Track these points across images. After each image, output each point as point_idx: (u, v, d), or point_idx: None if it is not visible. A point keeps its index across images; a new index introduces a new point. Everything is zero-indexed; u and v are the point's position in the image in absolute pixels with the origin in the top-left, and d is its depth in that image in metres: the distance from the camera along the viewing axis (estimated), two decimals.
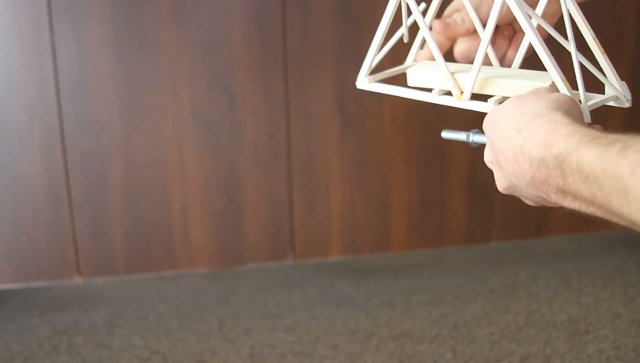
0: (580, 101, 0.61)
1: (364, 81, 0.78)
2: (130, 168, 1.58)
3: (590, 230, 1.85)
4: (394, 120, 1.64)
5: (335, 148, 1.65)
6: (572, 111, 0.54)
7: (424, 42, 0.81)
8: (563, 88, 0.61)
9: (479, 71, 0.66)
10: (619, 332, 1.51)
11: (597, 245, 1.95)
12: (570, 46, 0.63)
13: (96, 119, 1.55)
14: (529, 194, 0.53)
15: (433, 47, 0.70)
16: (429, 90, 0.72)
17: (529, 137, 0.50)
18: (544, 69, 0.65)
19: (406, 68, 0.81)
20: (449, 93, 0.70)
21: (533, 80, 0.66)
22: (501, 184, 0.57)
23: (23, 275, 1.60)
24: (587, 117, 0.60)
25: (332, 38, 1.58)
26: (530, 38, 0.62)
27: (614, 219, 0.46)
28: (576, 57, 0.63)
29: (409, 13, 0.76)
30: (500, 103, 0.63)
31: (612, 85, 0.65)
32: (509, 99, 0.58)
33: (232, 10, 1.54)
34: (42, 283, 1.61)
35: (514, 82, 0.66)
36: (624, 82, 0.66)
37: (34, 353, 1.49)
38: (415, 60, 0.82)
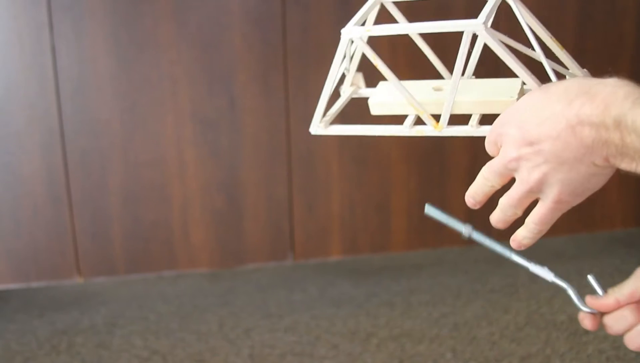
0: None
1: (319, 127, 0.76)
2: (130, 168, 1.58)
3: (590, 230, 1.85)
4: (394, 120, 1.63)
5: (335, 148, 1.65)
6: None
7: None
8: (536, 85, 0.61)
9: (452, 100, 0.64)
10: None
11: (597, 245, 1.95)
12: (541, 57, 0.63)
13: (96, 119, 1.55)
14: (580, 168, 0.53)
15: (390, 77, 0.66)
16: (395, 118, 0.69)
17: (585, 102, 0.49)
18: (498, 76, 0.64)
19: (350, 96, 0.80)
20: (419, 120, 0.67)
21: (506, 92, 0.64)
22: (535, 175, 0.55)
23: (23, 275, 1.60)
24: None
25: (332, 38, 1.58)
26: (501, 56, 0.60)
27: None
28: (547, 63, 0.63)
29: (350, 43, 0.74)
30: (479, 122, 0.63)
31: (577, 73, 0.66)
32: (527, 94, 0.56)
33: (232, 10, 1.54)
34: (42, 283, 1.61)
35: (496, 100, 0.63)
36: (585, 69, 0.66)
37: (34, 353, 1.49)
38: (353, 84, 0.79)
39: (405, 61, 1.58)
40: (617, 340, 1.48)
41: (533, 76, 0.60)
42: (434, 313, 1.61)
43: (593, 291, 0.66)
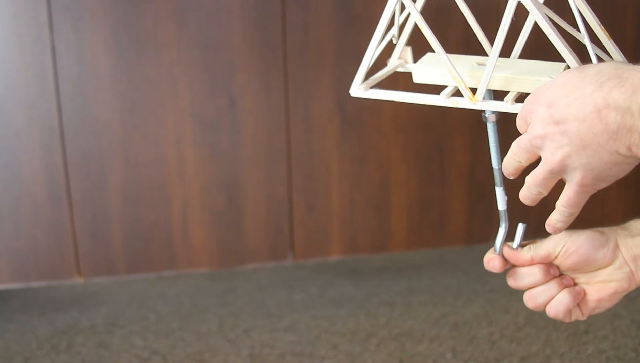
0: None
1: (359, 89, 0.74)
2: (130, 168, 1.58)
3: (590, 228, 1.85)
4: (394, 120, 1.64)
5: (335, 148, 1.65)
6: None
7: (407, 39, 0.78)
8: None
9: (491, 72, 0.64)
10: (618, 332, 1.51)
11: None
12: (585, 39, 0.63)
13: (96, 119, 1.55)
14: (603, 154, 0.53)
15: (435, 44, 0.67)
16: (434, 89, 0.70)
17: (615, 86, 0.49)
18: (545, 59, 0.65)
19: (395, 68, 0.77)
20: (458, 92, 0.68)
21: (545, 73, 0.64)
22: (558, 155, 0.56)
23: (23, 275, 1.60)
24: None
25: (332, 38, 1.59)
26: (545, 29, 0.61)
27: None
28: (592, 50, 0.63)
29: (401, 10, 0.73)
30: (516, 100, 0.63)
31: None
32: (562, 72, 0.56)
33: (232, 10, 1.54)
34: (42, 283, 1.61)
35: (530, 78, 0.64)
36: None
37: (34, 353, 1.49)
38: (400, 57, 0.79)
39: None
40: (617, 340, 1.48)
41: (574, 55, 0.59)
42: (434, 313, 1.61)
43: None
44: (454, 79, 0.66)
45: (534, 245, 0.70)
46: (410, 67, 0.78)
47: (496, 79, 0.65)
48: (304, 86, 1.60)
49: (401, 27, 0.77)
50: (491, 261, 0.70)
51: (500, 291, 1.70)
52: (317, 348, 1.48)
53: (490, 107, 0.65)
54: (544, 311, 0.68)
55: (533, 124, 0.57)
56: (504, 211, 0.69)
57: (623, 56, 0.65)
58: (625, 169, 0.55)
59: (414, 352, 1.46)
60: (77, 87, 1.52)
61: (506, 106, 0.64)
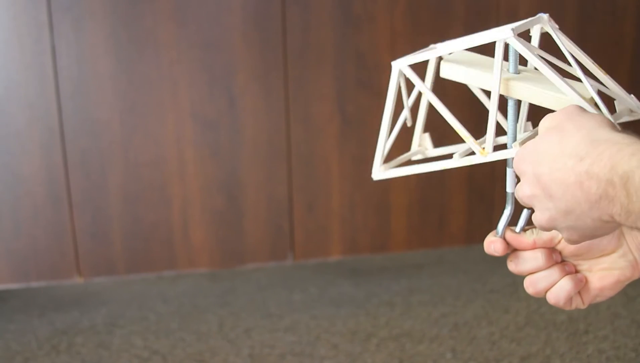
0: None
1: (380, 171, 0.76)
2: (130, 168, 1.58)
3: None
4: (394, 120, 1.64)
5: (335, 148, 1.65)
6: (615, 128, 0.56)
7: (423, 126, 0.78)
8: (589, 107, 0.61)
9: (494, 124, 0.65)
10: (618, 332, 1.51)
11: None
12: (580, 74, 0.63)
13: (96, 119, 1.55)
14: (586, 220, 0.55)
15: (447, 115, 0.67)
16: (450, 156, 0.72)
17: (595, 161, 0.51)
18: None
19: (414, 154, 0.81)
20: (470, 152, 0.69)
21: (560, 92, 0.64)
22: (545, 216, 0.58)
23: (23, 275, 1.60)
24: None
25: (332, 38, 1.59)
26: (544, 72, 0.61)
27: None
28: (588, 84, 0.63)
29: (408, 93, 0.74)
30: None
31: (624, 100, 0.65)
32: (542, 133, 0.58)
33: (232, 10, 1.54)
34: (42, 283, 1.61)
35: (549, 93, 0.63)
36: (632, 95, 0.65)
37: (34, 353, 1.49)
38: (420, 145, 0.81)
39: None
40: (617, 340, 1.48)
41: (574, 89, 0.60)
42: (434, 313, 1.61)
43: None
44: (465, 138, 0.67)
45: (537, 229, 0.68)
46: (431, 153, 0.80)
47: (522, 89, 0.65)
48: (304, 86, 1.60)
49: (414, 108, 0.78)
50: (493, 244, 0.70)
51: (500, 291, 1.70)
52: (317, 348, 1.48)
53: (501, 156, 0.65)
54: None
55: (523, 183, 0.59)
56: (512, 193, 0.68)
57: (624, 90, 0.65)
58: (610, 230, 0.57)
59: (414, 352, 1.46)
60: (77, 87, 1.52)
61: (514, 152, 0.64)
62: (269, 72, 1.58)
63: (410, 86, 0.73)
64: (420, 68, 0.71)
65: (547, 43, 0.70)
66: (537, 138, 0.58)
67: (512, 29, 0.62)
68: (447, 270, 1.84)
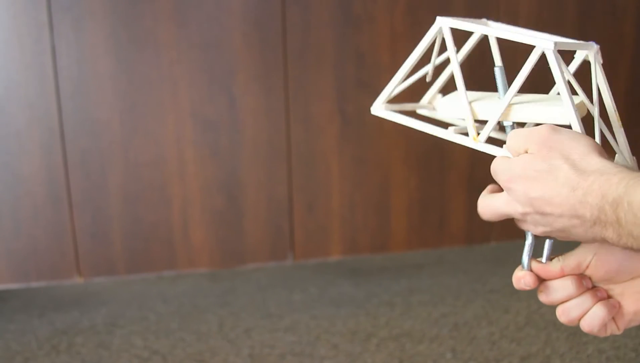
0: None
1: (380, 108, 0.77)
2: (130, 168, 1.58)
3: None
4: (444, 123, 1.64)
5: (335, 148, 1.65)
6: (601, 150, 0.59)
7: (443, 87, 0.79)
8: (576, 125, 0.64)
9: (497, 119, 0.67)
10: None
11: None
12: (595, 111, 0.65)
13: (96, 119, 1.55)
14: (580, 236, 0.59)
15: (461, 89, 0.69)
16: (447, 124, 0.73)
17: (587, 192, 0.55)
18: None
19: (420, 107, 0.80)
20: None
21: (553, 105, 0.66)
22: (539, 230, 0.63)
23: (23, 275, 1.60)
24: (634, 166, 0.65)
25: (332, 38, 1.58)
26: (563, 97, 0.63)
27: None
28: (598, 123, 0.65)
29: (440, 53, 0.75)
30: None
31: (623, 155, 0.67)
32: (529, 153, 0.60)
33: (232, 10, 1.54)
34: (42, 283, 1.61)
35: (536, 108, 0.66)
36: (634, 157, 0.67)
37: (34, 353, 1.49)
38: (430, 102, 0.81)
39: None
40: (617, 340, 1.48)
41: (576, 113, 0.63)
42: (434, 313, 1.61)
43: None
44: (466, 117, 0.69)
45: (563, 256, 0.68)
46: (437, 115, 0.81)
47: (518, 112, 0.67)
48: (304, 86, 1.60)
49: (438, 70, 0.78)
50: (523, 279, 0.68)
51: (500, 291, 1.70)
52: (317, 348, 1.48)
53: (489, 150, 0.68)
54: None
55: (514, 201, 0.62)
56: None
57: (629, 148, 0.67)
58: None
59: (414, 352, 1.46)
60: (77, 87, 1.52)
61: (502, 151, 0.66)
62: (269, 72, 1.58)
63: (443, 47, 0.74)
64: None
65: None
66: (524, 158, 0.60)
67: (555, 42, 0.63)
68: (447, 270, 1.84)
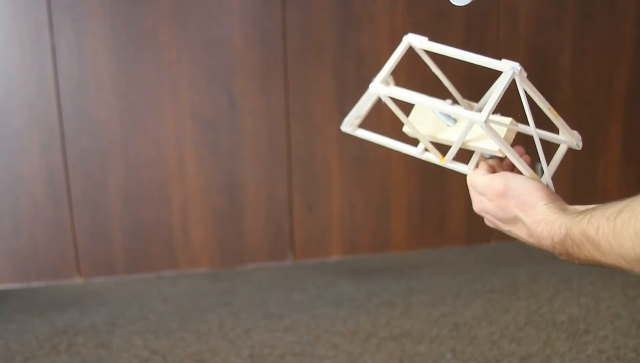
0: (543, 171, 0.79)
1: (350, 127, 0.91)
2: (130, 168, 1.58)
3: None
4: (394, 120, 1.63)
5: (335, 148, 1.65)
6: (544, 193, 0.75)
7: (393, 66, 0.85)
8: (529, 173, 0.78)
9: (463, 138, 0.78)
10: (619, 332, 1.51)
11: None
12: (532, 130, 0.76)
13: (96, 119, 1.55)
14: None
15: (409, 124, 0.82)
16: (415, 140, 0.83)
17: (540, 237, 0.73)
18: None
19: (374, 94, 0.86)
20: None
21: (489, 142, 0.78)
22: (492, 225, 0.82)
23: (23, 275, 1.60)
24: (551, 186, 0.78)
25: (332, 38, 1.58)
26: (524, 101, 0.74)
27: (607, 267, 0.66)
28: (538, 141, 0.76)
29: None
30: (476, 166, 0.81)
31: (566, 135, 0.80)
32: (496, 199, 0.76)
33: (232, 10, 1.54)
34: (42, 283, 1.61)
35: (476, 144, 0.79)
36: (575, 131, 0.81)
37: (34, 353, 1.49)
38: (387, 81, 0.87)
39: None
40: (617, 340, 1.48)
41: (526, 166, 0.77)
42: (434, 313, 1.61)
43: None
44: (429, 147, 0.82)
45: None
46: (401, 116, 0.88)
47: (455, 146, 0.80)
48: (304, 86, 1.60)
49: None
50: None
51: (500, 291, 1.70)
52: (317, 348, 1.48)
53: (454, 167, 0.82)
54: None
55: (489, 220, 0.81)
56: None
57: (570, 129, 0.79)
58: None
59: (414, 352, 1.46)
60: (77, 87, 1.52)
61: (467, 170, 0.81)
62: (269, 72, 1.58)
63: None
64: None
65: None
66: (491, 206, 0.77)
67: (521, 69, 0.74)
68: (447, 270, 1.84)
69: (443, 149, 0.82)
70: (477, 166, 0.81)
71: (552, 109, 0.78)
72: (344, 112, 1.62)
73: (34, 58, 1.49)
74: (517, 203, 0.76)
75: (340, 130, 1.70)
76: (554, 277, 1.76)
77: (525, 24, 1.62)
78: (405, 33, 0.80)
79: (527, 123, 0.76)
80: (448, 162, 0.81)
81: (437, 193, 1.72)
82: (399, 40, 0.84)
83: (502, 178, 0.77)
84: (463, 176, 1.97)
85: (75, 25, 1.49)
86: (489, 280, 1.76)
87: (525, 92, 0.74)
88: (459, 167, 0.81)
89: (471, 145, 0.80)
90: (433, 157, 0.82)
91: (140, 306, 1.68)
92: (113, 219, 1.60)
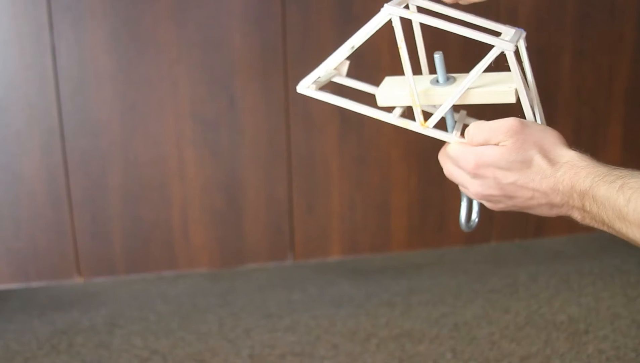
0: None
1: (309, 87, 0.78)
2: (130, 168, 1.58)
3: (590, 229, 1.85)
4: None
5: (335, 148, 1.65)
6: (565, 141, 0.67)
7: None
8: (529, 112, 0.71)
9: (451, 103, 0.70)
10: (619, 332, 1.51)
11: (597, 245, 1.95)
12: (533, 91, 0.71)
13: (96, 119, 1.55)
14: (538, 212, 0.69)
15: (407, 64, 0.71)
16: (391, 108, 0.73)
17: (558, 181, 0.65)
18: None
19: (332, 76, 0.81)
20: (409, 113, 0.72)
21: (498, 85, 0.70)
22: (498, 207, 0.71)
23: (23, 275, 1.60)
24: (543, 122, 0.72)
25: (332, 38, 1.59)
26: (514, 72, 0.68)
27: (620, 236, 0.62)
28: (537, 102, 0.71)
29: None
30: (462, 135, 0.70)
31: (541, 120, 0.73)
32: (507, 144, 0.66)
33: (232, 10, 1.54)
34: (42, 283, 1.61)
35: (481, 90, 0.70)
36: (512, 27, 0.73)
37: (34, 353, 1.49)
38: (336, 68, 0.84)
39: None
40: (617, 340, 1.48)
41: (538, 107, 0.71)
42: (434, 313, 1.61)
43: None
44: (412, 101, 0.70)
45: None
46: (340, 80, 0.82)
47: (455, 95, 0.70)
48: None
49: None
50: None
51: (500, 291, 1.70)
52: (317, 348, 1.48)
53: (438, 135, 0.71)
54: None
55: (480, 185, 0.69)
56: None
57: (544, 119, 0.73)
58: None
59: (414, 352, 1.46)
60: (77, 87, 1.52)
61: (452, 138, 0.71)
62: (269, 72, 1.58)
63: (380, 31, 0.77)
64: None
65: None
66: (496, 150, 0.66)
67: (516, 44, 0.68)
68: (447, 270, 1.84)
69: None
70: (462, 135, 0.70)
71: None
72: (344, 112, 1.62)
73: (34, 58, 1.49)
74: (536, 141, 0.66)
75: (340, 130, 1.70)
76: (554, 277, 1.76)
77: (525, 24, 1.61)
78: (405, 33, 0.79)
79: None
80: (430, 126, 0.70)
81: (437, 193, 1.72)
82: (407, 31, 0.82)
83: (514, 119, 0.67)
84: None
85: (75, 25, 1.49)
86: (489, 280, 1.76)
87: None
88: (441, 135, 0.71)
89: (479, 91, 0.69)
90: (411, 123, 0.71)
91: (140, 306, 1.68)
92: (113, 219, 1.60)
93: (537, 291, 1.69)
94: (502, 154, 0.66)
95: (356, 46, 0.76)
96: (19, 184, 1.55)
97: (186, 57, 1.54)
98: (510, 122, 0.66)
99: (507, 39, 0.68)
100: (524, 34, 0.71)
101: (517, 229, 1.78)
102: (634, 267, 1.79)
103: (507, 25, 0.72)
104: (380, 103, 0.75)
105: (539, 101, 0.72)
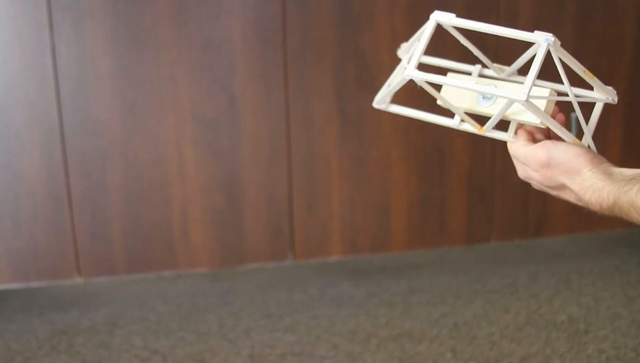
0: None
1: (382, 104, 0.87)
2: (130, 168, 1.58)
3: (590, 229, 1.85)
4: (394, 120, 1.64)
5: (335, 148, 1.65)
6: (592, 158, 0.77)
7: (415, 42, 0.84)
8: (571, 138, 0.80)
9: (505, 110, 0.76)
10: (619, 332, 1.51)
11: (597, 245, 1.95)
12: (572, 99, 0.78)
13: (96, 119, 1.55)
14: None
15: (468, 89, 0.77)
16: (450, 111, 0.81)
17: (589, 203, 0.74)
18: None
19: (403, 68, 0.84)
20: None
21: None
22: (539, 189, 0.82)
23: (23, 275, 1.60)
24: (593, 147, 0.82)
25: (332, 38, 1.58)
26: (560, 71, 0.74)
27: None
28: (578, 108, 0.79)
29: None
30: (515, 133, 0.80)
31: (602, 93, 0.81)
32: (534, 174, 0.78)
33: (232, 10, 1.54)
34: (42, 283, 1.61)
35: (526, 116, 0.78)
36: (609, 87, 0.80)
37: (34, 353, 1.49)
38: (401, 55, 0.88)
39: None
40: (617, 340, 1.48)
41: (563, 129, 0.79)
42: (434, 313, 1.61)
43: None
44: (466, 119, 0.80)
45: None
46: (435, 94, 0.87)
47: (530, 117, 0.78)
48: (304, 86, 1.60)
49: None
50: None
51: (500, 291, 1.70)
52: (317, 348, 1.48)
53: (495, 136, 0.80)
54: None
55: (529, 177, 0.80)
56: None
57: (604, 87, 0.79)
58: None
59: (414, 352, 1.46)
60: (77, 87, 1.52)
61: (507, 137, 0.80)
62: (269, 72, 1.58)
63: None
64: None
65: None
66: (536, 176, 0.78)
67: (554, 40, 0.74)
68: (447, 270, 1.84)
69: (481, 120, 0.80)
70: (516, 133, 0.81)
71: (587, 71, 0.78)
72: (344, 112, 1.62)
73: (34, 58, 1.49)
74: (563, 171, 0.76)
75: (340, 130, 1.70)
76: (554, 277, 1.76)
77: (525, 24, 1.61)
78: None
79: (561, 84, 0.77)
80: (487, 131, 0.79)
81: (437, 193, 1.72)
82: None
83: (544, 148, 0.77)
84: (463, 176, 1.97)
85: (75, 25, 1.49)
86: (489, 280, 1.76)
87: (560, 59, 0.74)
88: (498, 135, 0.80)
89: (512, 118, 0.79)
90: (471, 128, 0.81)
91: (140, 306, 1.68)
92: (113, 219, 1.60)
93: (537, 291, 1.69)
94: (539, 179, 0.78)
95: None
96: (19, 183, 1.55)
97: (186, 57, 1.54)
98: (538, 156, 0.76)
99: (517, 89, 0.73)
100: (552, 41, 0.76)
101: (517, 229, 1.78)
102: (634, 267, 1.79)
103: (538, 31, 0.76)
104: (440, 104, 0.82)
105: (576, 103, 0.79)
